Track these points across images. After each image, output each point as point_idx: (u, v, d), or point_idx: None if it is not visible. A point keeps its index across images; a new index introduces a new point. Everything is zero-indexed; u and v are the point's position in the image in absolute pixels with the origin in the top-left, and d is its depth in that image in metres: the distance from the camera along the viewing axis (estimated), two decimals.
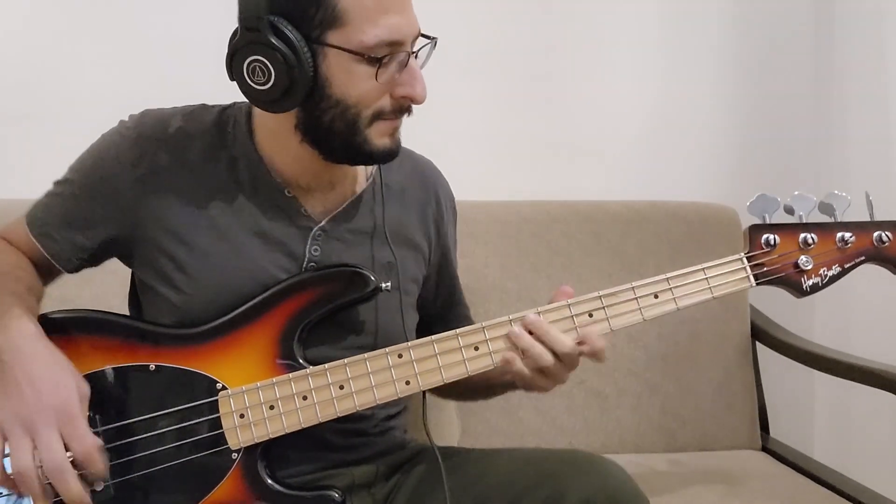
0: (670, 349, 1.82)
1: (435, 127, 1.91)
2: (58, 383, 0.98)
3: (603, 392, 1.77)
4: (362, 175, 1.20)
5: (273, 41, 0.99)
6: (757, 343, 1.89)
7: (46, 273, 1.17)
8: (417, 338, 1.11)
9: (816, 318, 2.06)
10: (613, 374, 1.78)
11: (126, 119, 1.17)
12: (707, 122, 2.07)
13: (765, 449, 1.82)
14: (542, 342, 1.06)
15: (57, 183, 1.17)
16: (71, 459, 0.97)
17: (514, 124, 1.99)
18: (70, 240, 1.13)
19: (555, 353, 1.06)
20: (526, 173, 2.00)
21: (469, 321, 1.29)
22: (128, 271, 1.20)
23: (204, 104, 1.19)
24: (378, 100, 1.04)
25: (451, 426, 1.67)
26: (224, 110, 1.18)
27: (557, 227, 1.84)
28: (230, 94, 1.15)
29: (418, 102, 1.07)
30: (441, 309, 1.30)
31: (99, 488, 1.02)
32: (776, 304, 1.90)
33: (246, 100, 1.11)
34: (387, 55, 1.02)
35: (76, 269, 1.17)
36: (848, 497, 1.54)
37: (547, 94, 2.01)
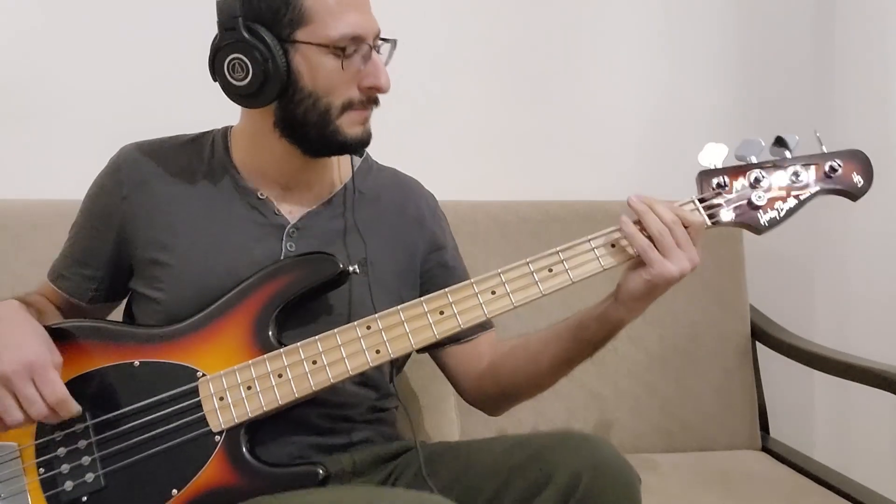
0: (670, 350, 1.81)
1: (434, 127, 1.92)
2: (33, 341, 1.07)
3: (602, 393, 1.77)
4: (336, 180, 1.27)
5: (249, 39, 1.11)
6: (757, 343, 1.88)
7: (72, 315, 1.24)
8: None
9: (816, 319, 2.06)
10: (613, 376, 1.78)
11: (113, 153, 1.26)
12: (707, 122, 2.07)
13: (765, 449, 1.82)
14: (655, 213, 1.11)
15: (69, 231, 1.28)
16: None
17: (513, 124, 1.99)
18: (80, 274, 1.25)
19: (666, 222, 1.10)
20: (525, 173, 1.99)
21: None
22: None
23: (178, 134, 1.29)
24: (345, 91, 1.14)
25: (450, 426, 1.66)
26: (201, 134, 1.28)
27: (556, 226, 1.84)
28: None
29: (383, 91, 1.16)
30: None
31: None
32: (776, 305, 1.90)
33: (221, 127, 1.26)
34: (350, 47, 1.12)
35: (93, 301, 1.25)
36: (848, 497, 1.54)
37: (546, 94, 2.00)
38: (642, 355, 1.80)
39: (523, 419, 1.74)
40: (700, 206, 1.15)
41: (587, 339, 1.19)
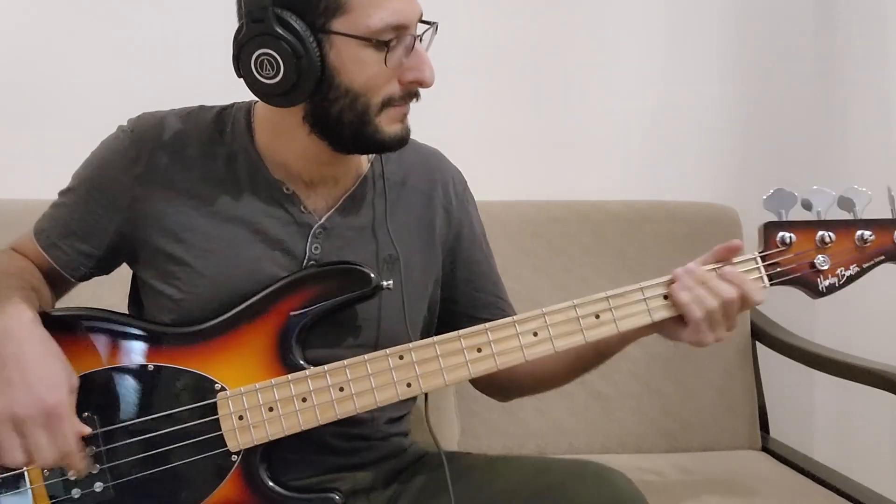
0: (670, 350, 1.81)
1: (435, 127, 1.90)
2: (50, 377, 0.98)
3: (603, 393, 1.77)
4: (362, 168, 1.18)
5: (280, 32, 0.99)
6: (757, 343, 1.88)
7: (58, 284, 1.17)
8: (441, 332, 1.08)
9: (817, 319, 2.06)
10: (614, 376, 1.78)
11: (124, 123, 1.17)
12: (708, 121, 2.07)
13: (765, 449, 1.82)
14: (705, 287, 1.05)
15: (61, 193, 1.18)
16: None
17: (514, 124, 1.99)
18: (76, 249, 1.14)
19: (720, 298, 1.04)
20: (526, 173, 1.99)
21: (498, 308, 1.26)
22: (128, 269, 1.20)
23: (202, 105, 1.19)
24: (386, 86, 1.03)
25: (450, 427, 1.66)
26: (223, 110, 1.17)
27: (558, 227, 1.84)
28: (231, 93, 1.15)
29: (427, 86, 1.06)
30: (465, 295, 1.26)
31: (82, 476, 1.03)
32: (776, 305, 1.90)
33: (246, 99, 1.12)
34: (393, 39, 1.01)
35: (85, 278, 1.17)
36: (848, 497, 1.54)
37: (548, 93, 2.00)
38: (643, 355, 1.80)
39: (525, 419, 1.74)
40: (762, 263, 1.09)
41: (606, 354, 1.19)
